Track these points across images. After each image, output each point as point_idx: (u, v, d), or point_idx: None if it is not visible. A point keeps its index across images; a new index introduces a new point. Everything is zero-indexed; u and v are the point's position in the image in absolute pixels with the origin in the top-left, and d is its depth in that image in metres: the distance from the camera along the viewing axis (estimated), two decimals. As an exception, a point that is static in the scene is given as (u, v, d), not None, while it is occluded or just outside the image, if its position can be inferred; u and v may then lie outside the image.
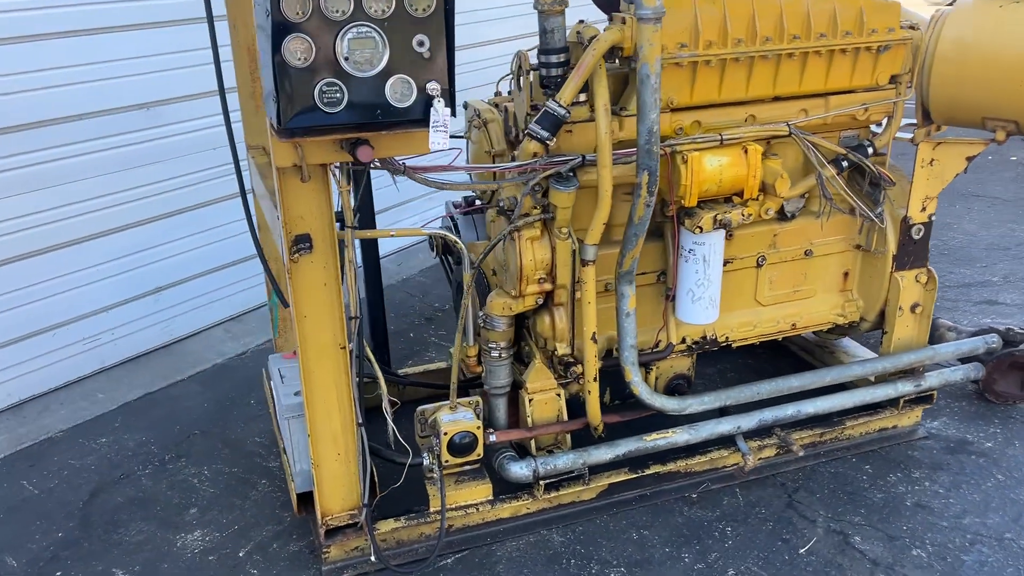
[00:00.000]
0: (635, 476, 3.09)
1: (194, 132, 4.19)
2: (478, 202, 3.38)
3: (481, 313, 2.95)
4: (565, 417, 3.02)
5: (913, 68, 3.06)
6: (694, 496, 3.13)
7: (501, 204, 2.87)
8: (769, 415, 3.17)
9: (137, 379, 4.06)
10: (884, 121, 3.18)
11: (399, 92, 2.15)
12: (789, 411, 3.19)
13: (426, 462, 2.80)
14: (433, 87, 2.15)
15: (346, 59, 2.09)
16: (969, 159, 3.16)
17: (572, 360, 2.93)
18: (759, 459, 3.20)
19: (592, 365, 2.86)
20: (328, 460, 2.64)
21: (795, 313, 3.30)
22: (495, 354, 2.96)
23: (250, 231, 2.94)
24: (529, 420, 2.97)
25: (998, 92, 2.87)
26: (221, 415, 3.78)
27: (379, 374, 2.68)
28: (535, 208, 2.76)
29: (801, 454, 3.22)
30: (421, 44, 2.12)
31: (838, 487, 3.17)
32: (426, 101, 2.17)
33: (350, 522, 2.73)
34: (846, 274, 3.35)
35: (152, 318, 4.27)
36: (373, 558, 2.72)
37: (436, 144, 2.20)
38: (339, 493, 2.69)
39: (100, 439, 3.62)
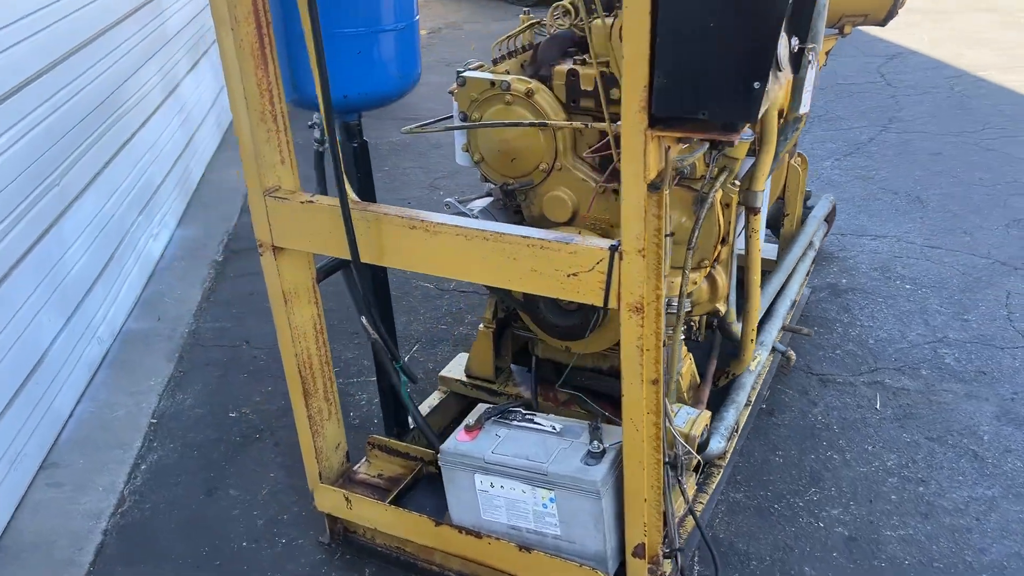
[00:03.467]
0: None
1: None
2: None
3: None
4: (698, 380, 2.87)
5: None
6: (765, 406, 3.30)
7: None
8: (779, 315, 3.43)
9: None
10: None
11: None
12: (787, 304, 3.50)
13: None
14: (811, 45, 1.84)
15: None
16: (827, 53, 3.75)
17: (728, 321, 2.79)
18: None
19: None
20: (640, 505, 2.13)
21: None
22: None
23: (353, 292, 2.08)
24: (686, 395, 2.75)
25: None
26: None
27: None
28: (714, 168, 2.50)
29: (810, 334, 3.61)
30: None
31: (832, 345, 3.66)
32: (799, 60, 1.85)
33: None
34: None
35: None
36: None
37: (806, 106, 1.90)
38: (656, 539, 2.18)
39: None
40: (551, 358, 3.11)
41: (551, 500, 2.16)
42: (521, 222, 2.93)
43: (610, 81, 2.54)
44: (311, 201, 2.18)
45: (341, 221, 2.13)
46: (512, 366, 3.23)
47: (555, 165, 2.69)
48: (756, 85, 1.58)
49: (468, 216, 2.81)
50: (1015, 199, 5.17)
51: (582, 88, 2.60)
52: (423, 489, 2.62)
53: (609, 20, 2.57)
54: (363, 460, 2.78)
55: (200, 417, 3.37)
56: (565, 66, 2.62)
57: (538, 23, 2.92)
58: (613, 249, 1.84)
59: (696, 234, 2.44)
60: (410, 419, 3.00)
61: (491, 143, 2.72)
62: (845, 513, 2.78)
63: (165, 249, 4.72)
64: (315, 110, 2.38)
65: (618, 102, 2.59)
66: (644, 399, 1.97)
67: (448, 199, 2.84)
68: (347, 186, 2.22)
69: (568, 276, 1.92)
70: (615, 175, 2.63)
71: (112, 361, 3.69)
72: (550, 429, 2.25)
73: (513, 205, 2.85)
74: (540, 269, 1.94)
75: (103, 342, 3.72)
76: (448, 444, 2.26)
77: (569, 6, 2.73)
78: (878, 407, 3.29)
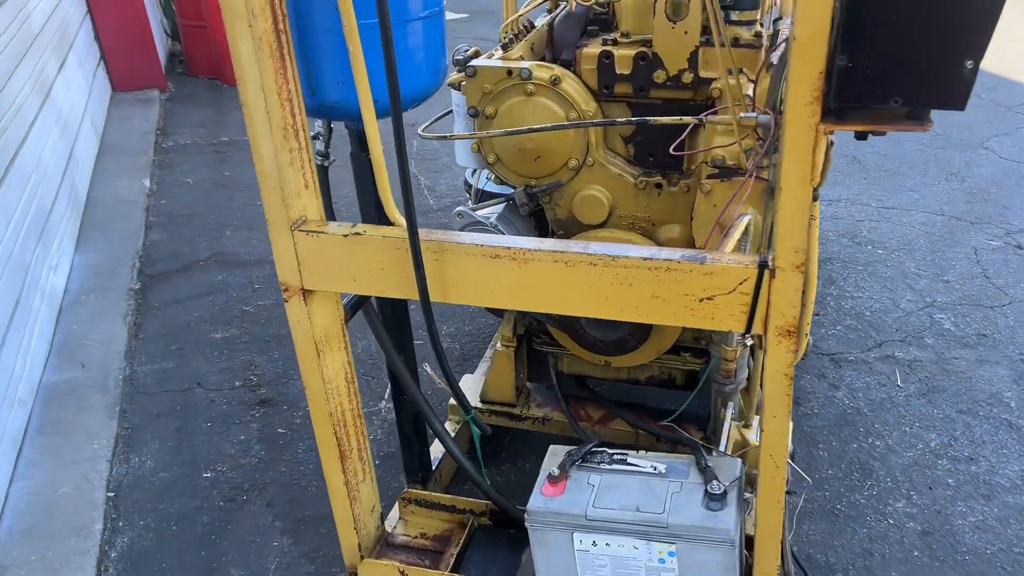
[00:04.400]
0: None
1: None
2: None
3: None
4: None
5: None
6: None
7: (717, 162, 2.22)
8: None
9: None
10: None
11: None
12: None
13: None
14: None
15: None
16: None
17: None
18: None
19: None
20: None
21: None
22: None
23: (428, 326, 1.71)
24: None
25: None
26: None
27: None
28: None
29: (819, 313, 3.48)
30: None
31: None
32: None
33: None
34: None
35: None
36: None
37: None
38: None
39: None
40: (578, 373, 2.81)
41: (671, 554, 1.87)
42: (542, 227, 2.62)
43: (653, 63, 2.24)
44: (357, 233, 1.78)
45: (396, 254, 1.75)
46: (528, 384, 2.91)
47: (586, 161, 2.38)
48: (969, 64, 1.32)
49: (487, 227, 2.46)
50: (943, 152, 5.25)
51: (617, 72, 2.29)
52: (480, 547, 2.28)
53: (643, -7, 2.27)
54: (397, 519, 2.40)
55: (168, 482, 2.87)
56: (594, 48, 2.30)
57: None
58: (762, 266, 1.56)
59: (772, 229, 2.20)
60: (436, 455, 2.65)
61: (510, 140, 2.37)
62: (910, 505, 2.65)
63: (68, 281, 4.07)
64: (337, 118, 1.96)
65: (663, 86, 2.34)
66: (786, 432, 1.71)
67: (460, 208, 2.48)
68: (395, 210, 1.83)
69: (700, 301, 1.63)
70: (656, 166, 2.36)
71: (40, 426, 3.10)
72: (651, 470, 1.96)
73: (531, 208, 2.52)
74: (664, 295, 1.64)
75: (24, 404, 3.13)
76: (536, 502, 1.93)
77: (590, -22, 2.40)
78: (900, 383, 3.18)
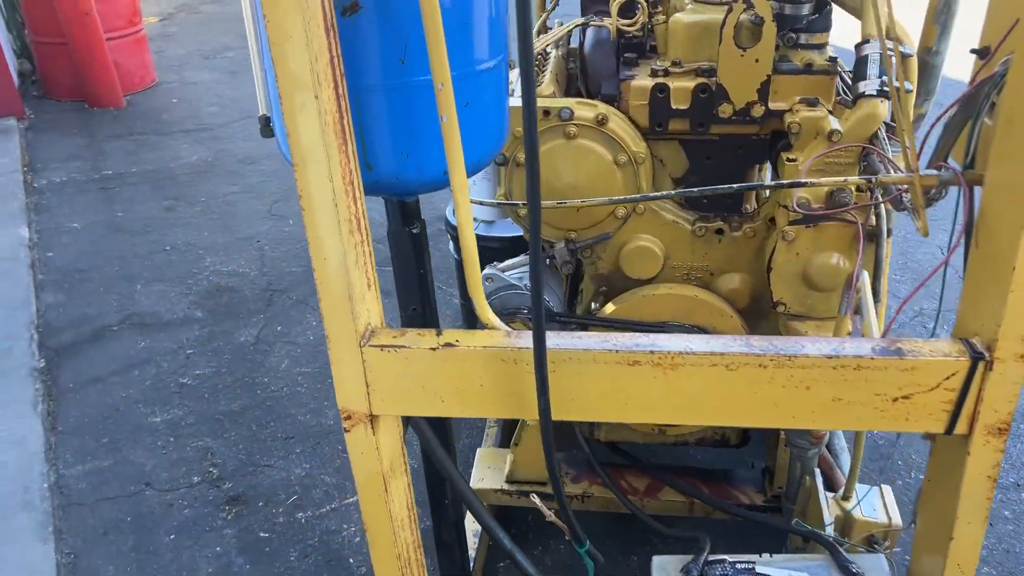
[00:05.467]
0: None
1: None
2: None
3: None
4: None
5: None
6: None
7: (799, 206, 1.93)
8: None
9: None
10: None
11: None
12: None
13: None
14: None
15: None
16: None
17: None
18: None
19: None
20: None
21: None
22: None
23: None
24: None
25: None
26: None
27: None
28: (877, 192, 1.96)
29: None
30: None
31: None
32: None
33: None
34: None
35: None
36: None
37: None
38: None
39: None
40: (616, 440, 2.51)
41: None
42: (573, 287, 2.29)
43: (716, 96, 1.95)
44: (449, 344, 1.39)
45: (500, 368, 1.39)
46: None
47: (636, 207, 2.08)
48: None
49: (521, 289, 2.11)
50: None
51: (673, 107, 1.99)
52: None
53: (695, 16, 1.97)
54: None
55: (137, 623, 2.36)
56: (644, 79, 1.99)
57: (584, 23, 2.23)
58: (976, 357, 1.29)
59: (861, 276, 1.96)
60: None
61: (547, 189, 2.03)
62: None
63: (-48, 365, 3.40)
64: (393, 196, 1.56)
65: (727, 121, 2.05)
66: (980, 542, 1.46)
67: (488, 271, 2.12)
68: (490, 313, 1.45)
69: (893, 401, 1.35)
70: (712, 208, 2.07)
71: (-45, 564, 2.51)
72: (790, 580, 1.67)
73: (573, 266, 2.18)
74: (848, 397, 1.35)
75: (-70, 539, 2.52)
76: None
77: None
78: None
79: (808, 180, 1.77)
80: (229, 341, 3.55)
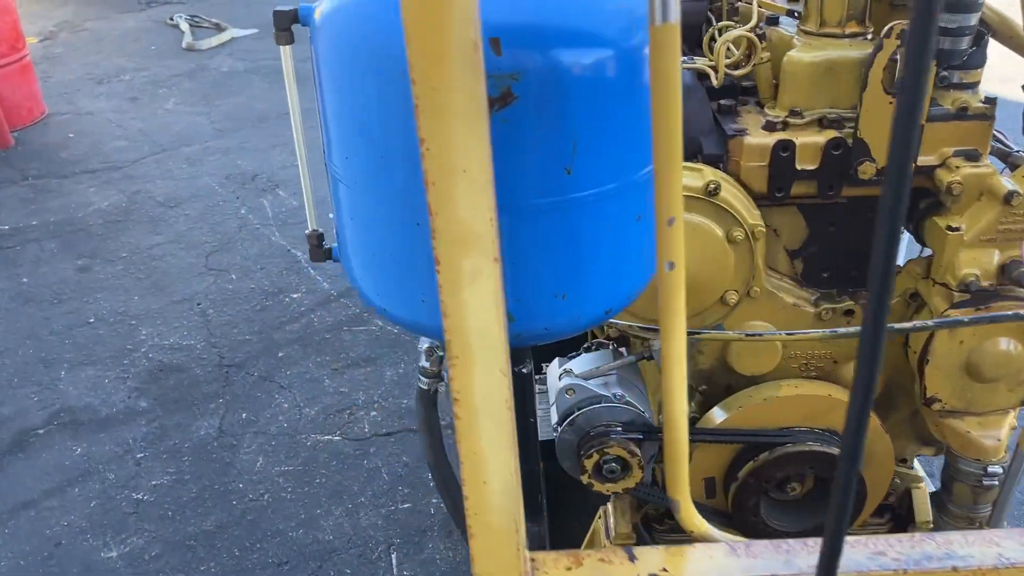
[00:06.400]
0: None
1: None
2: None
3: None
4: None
5: None
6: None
7: (969, 286, 1.56)
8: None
9: None
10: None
11: None
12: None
13: None
14: None
15: None
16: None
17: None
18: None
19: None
20: None
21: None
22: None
23: None
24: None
25: None
26: None
27: None
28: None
29: None
30: None
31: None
32: None
33: None
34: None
35: None
36: None
37: None
38: None
39: None
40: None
41: None
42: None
43: (853, 152, 1.57)
44: (660, 580, 0.95)
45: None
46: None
47: (749, 291, 1.68)
48: None
49: (616, 404, 1.68)
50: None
51: (798, 167, 1.59)
52: None
53: (817, 53, 1.58)
54: None
55: None
56: (760, 135, 1.59)
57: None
58: None
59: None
60: None
61: (642, 278, 1.60)
62: None
63: None
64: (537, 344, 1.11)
65: (866, 182, 1.67)
66: None
67: (567, 382, 1.69)
68: (698, 518, 1.01)
69: None
70: (834, 284, 1.66)
71: None
72: None
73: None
74: None
75: None
76: None
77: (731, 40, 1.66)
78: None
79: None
80: (186, 437, 2.99)
